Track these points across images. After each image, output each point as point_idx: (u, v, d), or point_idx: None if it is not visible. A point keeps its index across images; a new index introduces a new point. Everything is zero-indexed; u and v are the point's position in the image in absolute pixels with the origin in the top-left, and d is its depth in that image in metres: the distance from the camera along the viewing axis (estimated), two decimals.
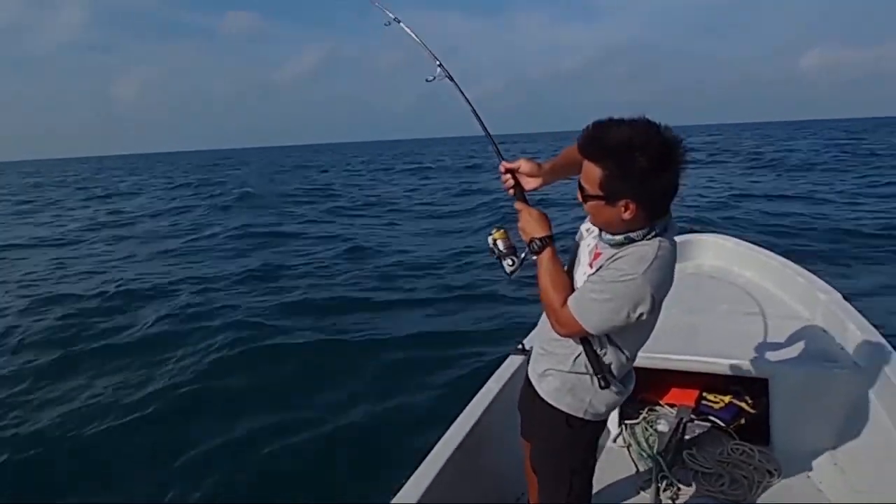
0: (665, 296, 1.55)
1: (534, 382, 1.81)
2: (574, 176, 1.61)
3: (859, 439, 2.29)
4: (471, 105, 1.94)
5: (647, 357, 2.29)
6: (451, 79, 1.97)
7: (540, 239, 1.61)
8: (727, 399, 2.73)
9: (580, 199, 1.53)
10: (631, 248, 1.49)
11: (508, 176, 1.74)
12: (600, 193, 1.45)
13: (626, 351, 1.66)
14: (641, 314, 1.47)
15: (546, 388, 1.76)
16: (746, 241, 4.06)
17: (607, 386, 1.65)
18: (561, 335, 1.63)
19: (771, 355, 2.58)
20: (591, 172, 1.45)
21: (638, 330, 1.60)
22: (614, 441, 2.72)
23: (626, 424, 2.74)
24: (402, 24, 2.12)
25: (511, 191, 1.75)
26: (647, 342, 1.65)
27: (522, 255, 1.75)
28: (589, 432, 1.77)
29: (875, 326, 2.59)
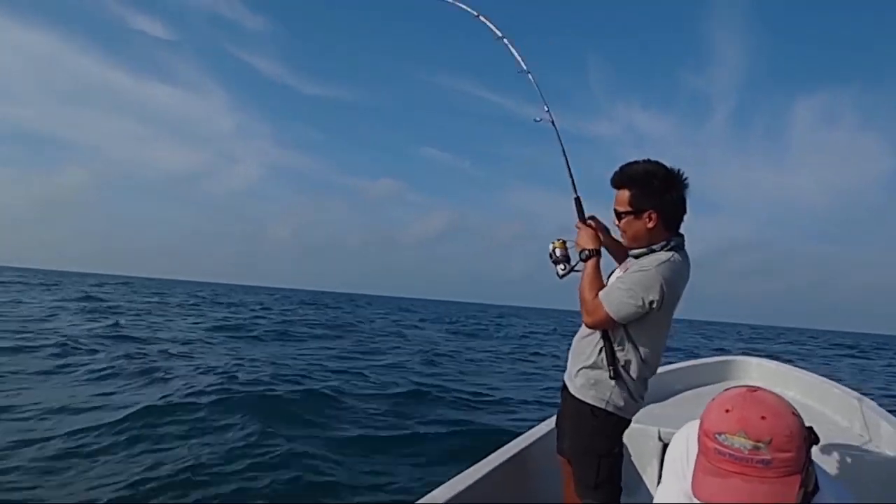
0: (675, 296, 1.91)
1: (567, 385, 2.12)
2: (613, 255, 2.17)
3: None
4: (566, 157, 2.33)
5: None
6: (553, 124, 2.39)
7: (589, 250, 2.06)
8: None
9: (616, 222, 1.99)
10: (651, 256, 1.92)
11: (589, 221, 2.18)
12: (630, 209, 1.93)
13: (640, 350, 1.95)
14: (652, 301, 1.84)
15: (576, 385, 2.05)
16: (788, 363, 4.27)
17: (616, 377, 1.94)
18: (589, 325, 1.98)
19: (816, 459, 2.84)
20: (622, 196, 1.95)
21: (651, 326, 1.93)
22: None
23: None
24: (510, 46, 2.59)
25: (582, 219, 2.19)
26: None
27: (574, 263, 2.11)
28: (612, 425, 2.00)
29: None
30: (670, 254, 1.90)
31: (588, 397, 1.99)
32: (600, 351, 1.97)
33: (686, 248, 1.98)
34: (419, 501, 1.92)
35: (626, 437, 2.70)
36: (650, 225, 1.90)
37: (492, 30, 2.64)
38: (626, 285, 1.88)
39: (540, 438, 2.64)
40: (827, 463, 2.52)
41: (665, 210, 1.91)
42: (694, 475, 1.11)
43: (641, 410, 2.93)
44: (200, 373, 8.38)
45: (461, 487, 2.04)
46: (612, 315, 1.89)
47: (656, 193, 1.89)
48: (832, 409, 3.38)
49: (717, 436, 1.06)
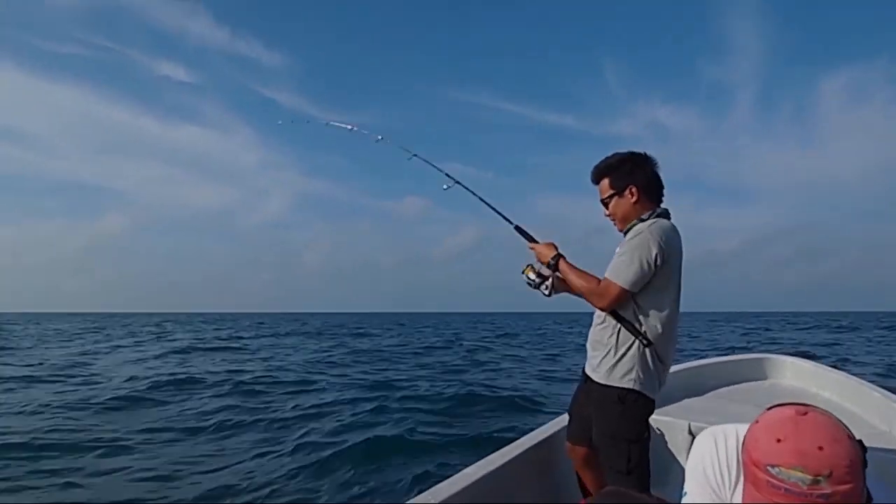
0: (674, 253, 2.00)
1: (590, 374, 2.14)
2: (563, 292, 2.25)
3: None
4: (487, 204, 2.46)
5: None
6: (461, 183, 2.55)
7: (552, 257, 2.17)
8: None
9: (605, 213, 2.17)
10: (640, 224, 2.05)
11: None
12: (612, 191, 2.12)
13: (657, 324, 2.00)
14: (656, 256, 1.94)
15: (600, 372, 2.08)
16: (824, 364, 4.13)
17: (638, 358, 1.99)
18: (604, 306, 2.03)
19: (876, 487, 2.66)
20: (603, 185, 2.16)
21: (660, 293, 1.99)
22: None
23: None
24: (418, 156, 2.75)
25: (530, 240, 2.31)
26: None
27: (549, 278, 2.22)
28: (640, 408, 2.04)
29: None
30: (657, 219, 2.06)
31: (614, 380, 2.03)
32: (619, 333, 2.03)
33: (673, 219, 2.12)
34: (442, 483, 1.98)
35: (657, 427, 2.77)
36: (633, 199, 2.10)
37: (368, 135, 2.96)
38: (626, 254, 1.99)
39: (553, 434, 2.65)
40: (868, 469, 2.54)
41: (643, 183, 2.10)
42: None
43: (673, 403, 3.17)
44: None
45: (468, 482, 2.05)
46: (623, 285, 1.96)
47: (631, 172, 2.12)
48: (870, 412, 3.29)
49: (769, 468, 0.98)
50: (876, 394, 3.33)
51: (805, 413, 1.03)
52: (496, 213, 2.42)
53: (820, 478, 0.95)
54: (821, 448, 0.96)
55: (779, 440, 0.99)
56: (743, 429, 1.20)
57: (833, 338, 24.18)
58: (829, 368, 4.00)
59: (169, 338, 26.12)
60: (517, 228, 2.36)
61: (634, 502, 1.46)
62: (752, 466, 1.03)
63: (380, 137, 2.93)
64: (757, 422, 1.07)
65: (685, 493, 1.30)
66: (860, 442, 1.02)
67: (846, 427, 1.03)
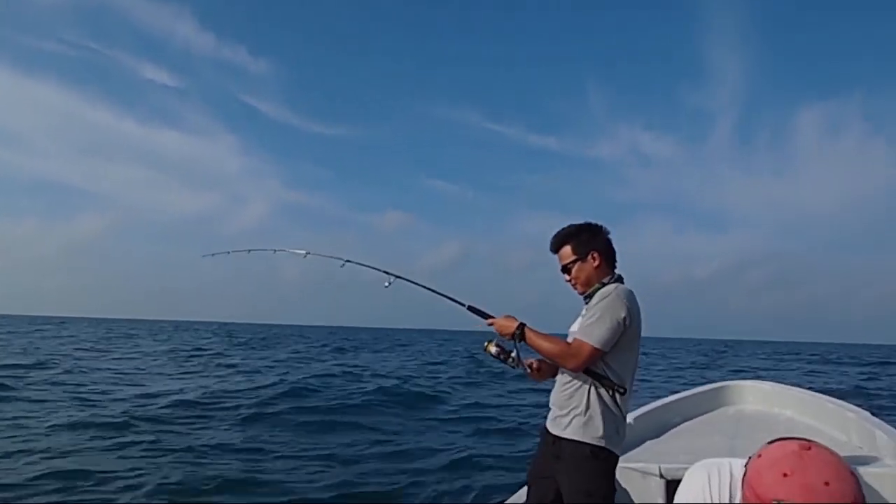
0: (639, 314, 2.09)
1: (558, 434, 2.12)
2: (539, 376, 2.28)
3: None
4: (435, 291, 2.53)
5: None
6: (402, 277, 2.59)
7: (517, 328, 2.16)
8: None
9: (567, 279, 2.23)
10: (605, 287, 2.14)
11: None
12: (575, 257, 2.20)
13: (621, 381, 2.06)
14: (624, 317, 2.02)
15: (571, 430, 2.08)
16: (782, 383, 4.34)
17: (616, 402, 2.04)
18: (576, 367, 2.05)
19: None
20: (565, 252, 2.23)
21: (625, 352, 2.07)
22: None
23: None
24: (351, 262, 2.82)
25: (486, 317, 2.31)
26: None
27: (513, 350, 2.21)
28: (611, 463, 2.09)
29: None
30: (619, 284, 2.17)
31: (587, 438, 2.04)
32: (589, 392, 2.07)
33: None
34: None
35: (626, 478, 2.70)
36: (596, 264, 2.20)
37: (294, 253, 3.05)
38: (596, 315, 2.05)
39: None
40: None
41: (603, 249, 2.23)
42: None
43: (639, 447, 3.15)
44: None
45: None
46: (595, 345, 2.01)
47: (592, 238, 2.24)
48: (829, 424, 3.43)
49: (775, 502, 0.99)
50: (831, 406, 3.54)
51: (809, 448, 1.05)
52: (447, 299, 2.46)
53: None
54: (827, 483, 0.98)
55: (785, 475, 1.00)
56: (737, 463, 1.22)
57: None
58: (788, 387, 4.17)
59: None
60: (470, 308, 2.38)
61: None
62: (755, 501, 1.03)
63: (307, 254, 3.03)
64: (759, 456, 1.08)
65: None
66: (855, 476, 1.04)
67: (847, 463, 1.06)
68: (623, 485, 2.70)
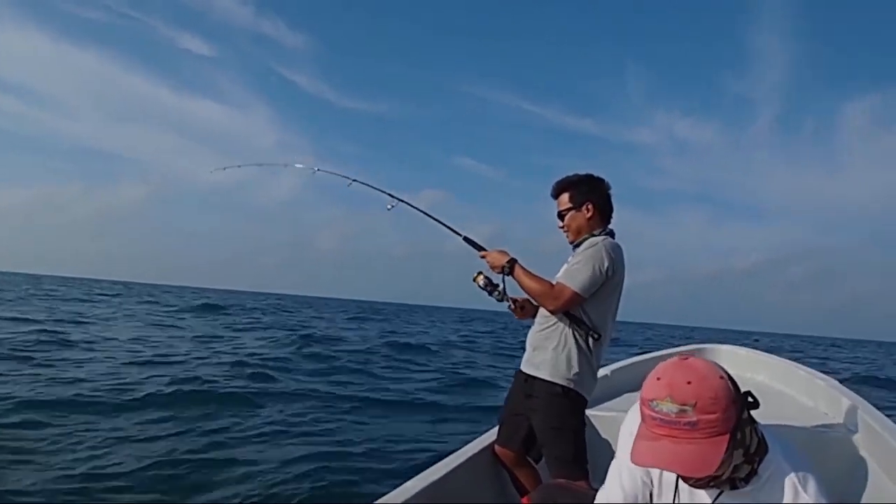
0: (622, 267, 2.18)
1: (531, 372, 2.24)
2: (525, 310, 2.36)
3: (858, 496, 2.42)
4: (433, 218, 2.60)
5: None
6: (404, 200, 2.69)
7: (505, 263, 2.26)
8: None
9: (560, 225, 2.31)
10: (593, 238, 2.23)
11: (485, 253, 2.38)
12: (571, 205, 2.28)
13: (597, 328, 2.16)
14: (607, 268, 2.12)
15: (544, 369, 2.19)
16: (757, 349, 4.42)
17: (590, 348, 2.15)
18: (556, 308, 2.15)
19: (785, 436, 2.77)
20: (563, 198, 2.31)
21: (603, 302, 2.17)
22: None
23: None
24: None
25: (480, 249, 2.40)
26: None
27: (500, 283, 2.32)
28: (581, 403, 2.22)
29: (867, 399, 2.92)
30: (608, 237, 2.24)
31: (558, 378, 2.16)
32: (563, 333, 2.18)
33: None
34: (380, 501, 1.92)
35: (599, 423, 2.85)
36: (589, 216, 2.26)
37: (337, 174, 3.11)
38: (581, 262, 2.15)
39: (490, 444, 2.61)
40: (793, 440, 2.43)
41: (599, 202, 2.29)
42: (633, 442, 1.19)
43: (617, 398, 3.32)
44: None
45: (419, 488, 2.03)
46: (576, 289, 2.12)
47: (590, 190, 2.30)
48: (798, 390, 3.57)
49: (650, 402, 1.14)
50: (802, 373, 3.64)
51: (686, 358, 1.19)
52: (444, 227, 2.55)
53: (686, 407, 1.10)
54: (689, 382, 1.12)
55: (658, 378, 1.16)
56: None
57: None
58: (763, 353, 4.23)
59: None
60: (466, 239, 2.48)
61: (576, 490, 1.66)
62: (641, 406, 1.19)
63: (317, 170, 3.20)
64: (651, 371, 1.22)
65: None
66: (747, 393, 1.19)
67: (724, 371, 1.19)
68: (600, 432, 2.83)
